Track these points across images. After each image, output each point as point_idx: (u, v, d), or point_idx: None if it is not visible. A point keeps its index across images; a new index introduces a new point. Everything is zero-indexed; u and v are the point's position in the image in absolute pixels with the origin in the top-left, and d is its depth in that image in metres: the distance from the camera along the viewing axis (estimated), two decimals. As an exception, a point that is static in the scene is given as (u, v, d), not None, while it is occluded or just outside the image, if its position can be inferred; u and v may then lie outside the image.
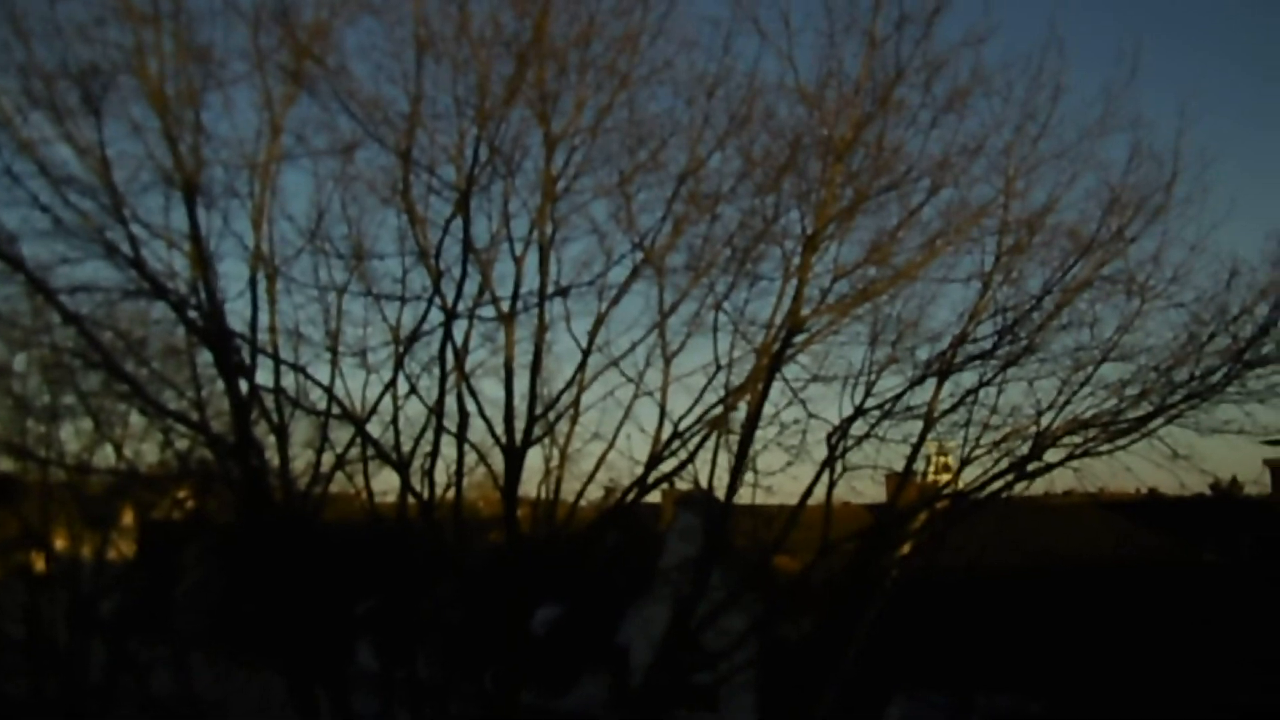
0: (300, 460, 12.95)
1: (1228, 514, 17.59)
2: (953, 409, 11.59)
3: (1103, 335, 11.33)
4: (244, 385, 10.57)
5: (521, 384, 11.13)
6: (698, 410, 11.28)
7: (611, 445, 11.85)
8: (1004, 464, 11.55)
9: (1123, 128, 11.19)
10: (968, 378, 11.52)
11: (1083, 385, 11.44)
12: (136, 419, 15.18)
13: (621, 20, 10.31)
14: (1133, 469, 11.48)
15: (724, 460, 11.36)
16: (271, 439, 11.69)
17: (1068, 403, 11.50)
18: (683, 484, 12.83)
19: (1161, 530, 16.45)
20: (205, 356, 11.42)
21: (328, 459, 12.13)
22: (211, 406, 12.59)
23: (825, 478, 11.46)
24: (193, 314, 10.21)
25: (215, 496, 14.09)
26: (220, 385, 11.29)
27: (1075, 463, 11.45)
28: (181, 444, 13.23)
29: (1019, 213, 11.18)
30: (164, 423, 12.09)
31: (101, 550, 19.17)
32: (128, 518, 20.35)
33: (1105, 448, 11.35)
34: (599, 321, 11.36)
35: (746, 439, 11.03)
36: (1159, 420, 11.19)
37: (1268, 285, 11.12)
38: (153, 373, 11.67)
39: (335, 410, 11.38)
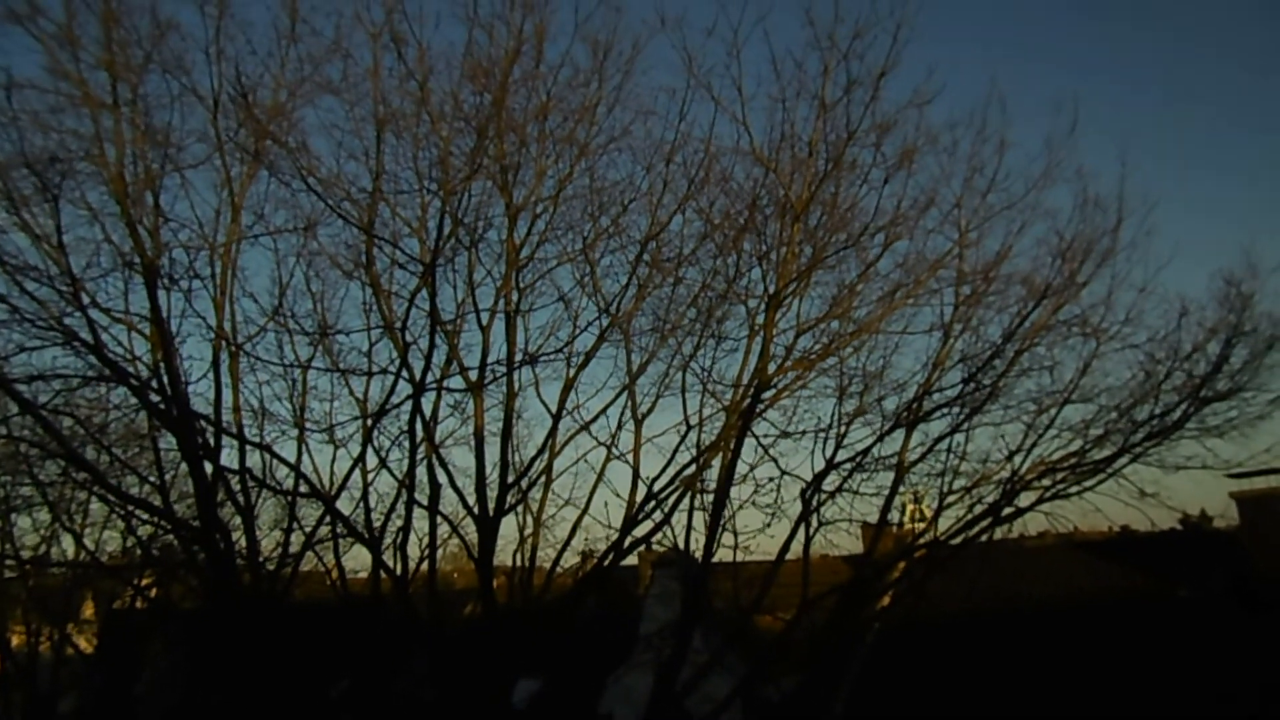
0: (268, 540, 12.70)
1: (1198, 549, 17.77)
2: (923, 458, 11.70)
3: (1063, 378, 11.62)
4: (209, 468, 10.35)
5: (492, 452, 11.07)
6: (671, 470, 11.27)
7: (586, 510, 11.78)
8: (978, 510, 11.65)
9: (1067, 178, 11.67)
10: (936, 426, 11.69)
11: (1048, 428, 11.65)
12: (97, 507, 14.79)
13: (578, 92, 10.57)
14: (1102, 509, 11.63)
15: (700, 520, 11.33)
16: (238, 520, 11.44)
17: (1035, 446, 11.70)
18: (660, 545, 12.73)
19: (1134, 567, 16.57)
20: (168, 440, 11.24)
21: (296, 538, 11.89)
22: (175, 490, 12.34)
23: (801, 533, 11.44)
24: (155, 398, 10.03)
25: (180, 583, 13.65)
26: (184, 468, 11.07)
27: (1046, 506, 11.59)
28: (144, 531, 12.89)
29: (974, 262, 11.51)
30: (126, 510, 11.78)
31: (60, 645, 18.41)
32: (88, 610, 19.62)
33: (1074, 489, 11.51)
34: (568, 386, 11.37)
35: (721, 498, 11.01)
36: (1124, 459, 11.41)
37: (1217, 323, 11.50)
38: (114, 459, 11.42)
39: (303, 488, 11.17)
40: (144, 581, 15.17)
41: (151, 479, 11.73)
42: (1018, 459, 11.57)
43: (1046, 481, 11.62)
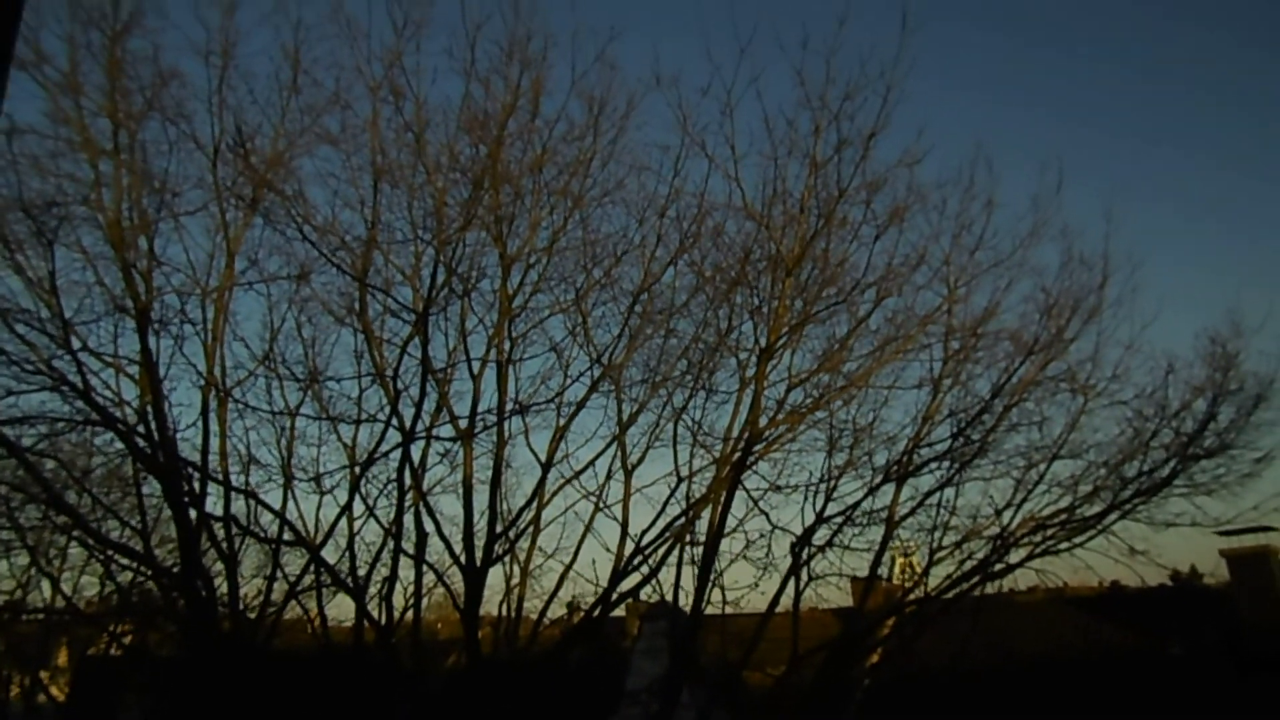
0: (250, 587, 12.49)
1: (1189, 605, 17.70)
2: (912, 512, 11.69)
3: (1052, 434, 11.68)
4: (193, 514, 10.22)
5: (480, 500, 11.00)
6: (661, 523, 11.21)
7: (574, 560, 11.68)
8: (968, 565, 11.61)
9: (1053, 235, 11.85)
10: (925, 480, 11.69)
11: (1037, 484, 11.68)
12: (76, 551, 14.53)
13: (573, 146, 10.74)
14: (1092, 566, 11.62)
15: (689, 572, 11.23)
16: (220, 566, 11.27)
17: (1024, 501, 11.71)
18: (649, 596, 12.60)
19: (1125, 624, 16.47)
20: (152, 484, 11.12)
21: (280, 586, 11.69)
22: (156, 534, 12.16)
23: (791, 587, 11.35)
24: (141, 442, 9.94)
25: (157, 630, 13.36)
26: (166, 512, 10.93)
27: (1036, 562, 11.56)
28: (123, 577, 12.65)
29: (962, 318, 11.62)
30: (105, 555, 11.59)
31: (31, 693, 17.93)
32: (62, 657, 19.15)
33: (1064, 546, 11.50)
34: (558, 435, 11.35)
35: (711, 551, 10.92)
36: (1113, 516, 11.43)
37: (1203, 381, 11.62)
38: (95, 502, 11.27)
39: (288, 536, 11.04)
40: (120, 628, 14.86)
41: (133, 523, 11.57)
42: (1007, 514, 11.59)
43: (1036, 537, 11.61)
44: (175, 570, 10.78)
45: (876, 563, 11.74)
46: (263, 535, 11.30)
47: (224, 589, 11.28)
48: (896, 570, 12.92)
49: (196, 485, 10.31)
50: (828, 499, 11.41)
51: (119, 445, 10.48)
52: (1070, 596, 17.29)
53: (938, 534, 11.74)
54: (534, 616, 12.06)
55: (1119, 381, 11.70)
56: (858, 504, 11.38)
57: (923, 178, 13.65)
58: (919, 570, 12.31)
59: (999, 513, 11.64)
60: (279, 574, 11.68)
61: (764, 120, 10.63)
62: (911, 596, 12.24)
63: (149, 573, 11.30)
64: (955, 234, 11.40)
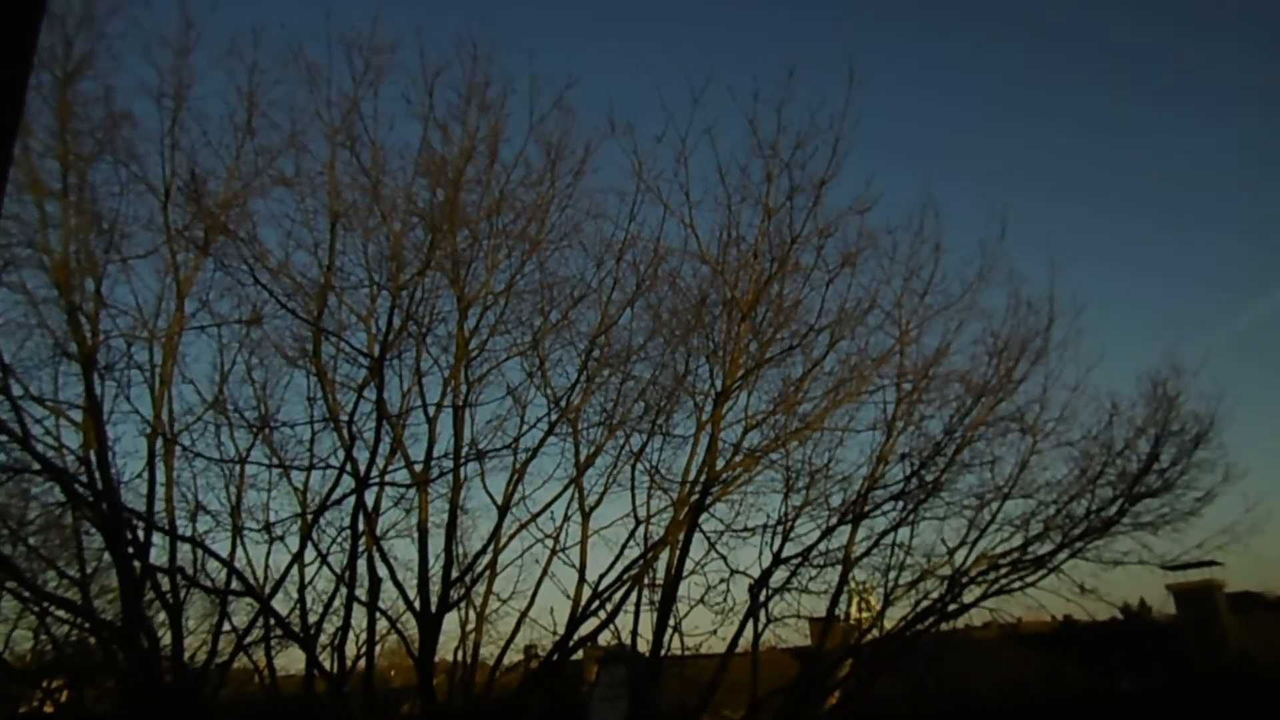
0: (195, 638, 12.10)
1: (1139, 640, 18.02)
2: (868, 552, 11.81)
3: (1003, 474, 11.92)
4: (137, 564, 9.90)
5: (436, 544, 10.84)
6: (619, 566, 11.14)
7: (531, 604, 11.53)
8: (924, 604, 11.72)
9: (1000, 280, 12.20)
10: (881, 520, 11.81)
11: (989, 523, 11.89)
12: (9, 603, 13.94)
13: (531, 190, 10.81)
14: (1044, 604, 11.81)
15: (648, 616, 11.18)
16: (163, 616, 10.90)
17: (978, 540, 11.90)
18: (607, 640, 12.47)
19: (1078, 660, 16.71)
20: (93, 533, 10.76)
21: (227, 637, 11.33)
22: (96, 584, 11.73)
23: (750, 629, 11.34)
24: (83, 491, 9.64)
25: (95, 685, 12.84)
26: (107, 559, 10.58)
27: (990, 601, 11.72)
28: (60, 630, 12.17)
29: (914, 360, 11.86)
30: (41, 607, 11.14)
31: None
32: (-9, 714, 18.22)
33: (1017, 585, 11.69)
34: (515, 478, 11.26)
35: (669, 594, 10.88)
36: (1063, 555, 11.68)
37: (1145, 422, 11.98)
38: (32, 553, 10.87)
39: (236, 585, 10.73)
40: (55, 684, 14.24)
41: (71, 574, 11.17)
42: (961, 553, 11.76)
43: (990, 576, 11.79)
44: (116, 623, 10.40)
45: (834, 603, 11.81)
46: (210, 585, 10.98)
47: (167, 639, 10.92)
48: (854, 610, 12.99)
49: (141, 534, 10.00)
50: (785, 540, 11.48)
51: (59, 494, 10.15)
52: (1024, 633, 17.50)
53: (893, 574, 11.87)
54: (490, 663, 11.82)
55: (1066, 422, 12.04)
56: (815, 545, 11.46)
57: (873, 223, 14.00)
58: (876, 610, 12.40)
59: (953, 552, 11.82)
60: (226, 624, 11.34)
61: (718, 167, 10.86)
62: (869, 636, 12.31)
63: (87, 625, 10.89)
64: (906, 278, 11.71)
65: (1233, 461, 12.11)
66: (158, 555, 10.43)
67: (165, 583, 10.54)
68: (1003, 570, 11.81)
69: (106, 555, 10.69)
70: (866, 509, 11.53)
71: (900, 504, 11.65)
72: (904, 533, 11.88)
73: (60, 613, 11.11)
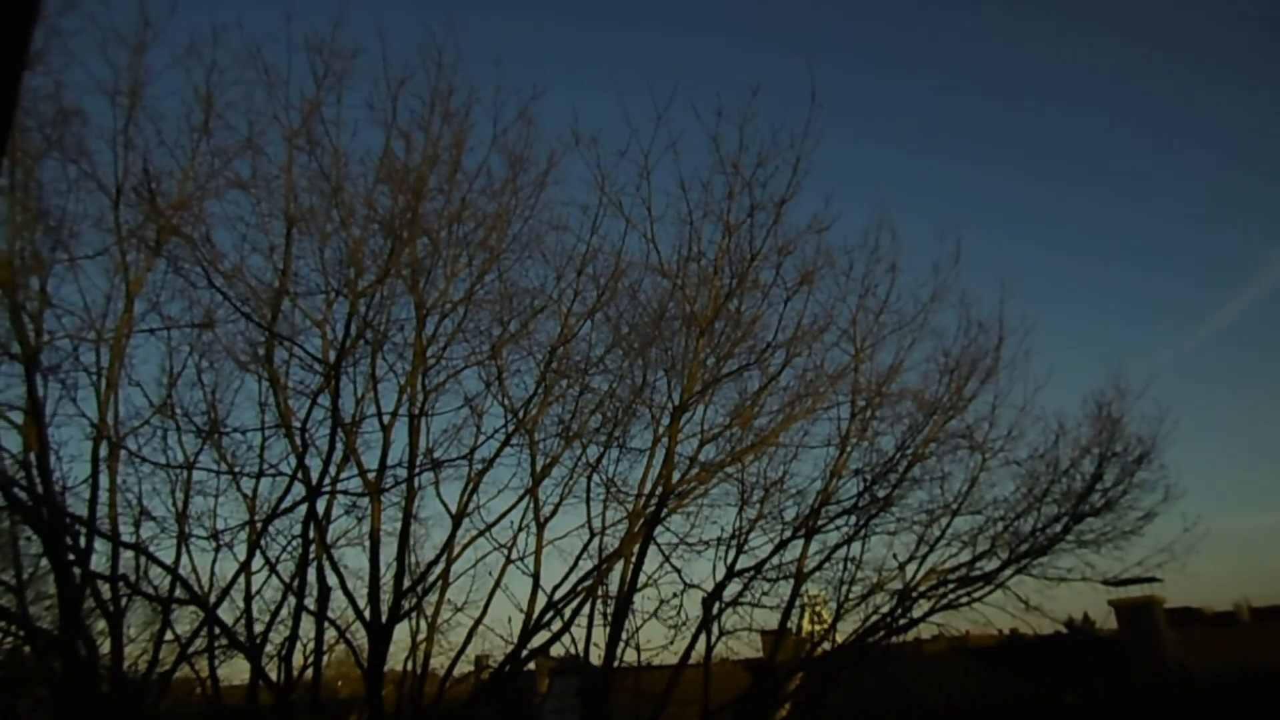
0: (134, 646, 11.80)
1: (1082, 654, 18.43)
2: (820, 566, 11.94)
3: (952, 490, 12.13)
4: (77, 571, 9.63)
5: (388, 553, 10.71)
6: (574, 577, 11.12)
7: (483, 615, 11.44)
8: (874, 618, 11.88)
9: (953, 301, 12.45)
10: (833, 535, 11.97)
11: (939, 539, 12.11)
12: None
13: (493, 200, 10.77)
14: (990, 618, 12.04)
15: (601, 627, 11.16)
16: (102, 624, 10.62)
17: (927, 555, 12.11)
18: (559, 650, 12.43)
19: (1022, 673, 17.05)
20: (29, 534, 10.45)
21: (170, 647, 11.06)
22: (32, 589, 11.39)
23: (702, 642, 11.40)
24: (21, 495, 9.36)
25: (29, 694, 12.44)
26: (44, 563, 10.27)
27: (938, 616, 11.93)
28: (-9, 638, 11.76)
29: (869, 377, 12.04)
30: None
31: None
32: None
33: (964, 600, 11.90)
34: (470, 488, 11.19)
35: (623, 607, 10.89)
36: (1009, 571, 11.91)
37: (1089, 442, 12.29)
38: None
39: (180, 593, 10.50)
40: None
41: (6, 579, 10.83)
42: (911, 568, 11.95)
43: (938, 591, 11.99)
44: (53, 631, 10.10)
45: (786, 616, 11.93)
46: (153, 593, 10.73)
47: (106, 647, 10.64)
48: (806, 623, 13.13)
49: (82, 540, 9.73)
50: (739, 553, 11.57)
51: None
52: (971, 646, 17.82)
53: (845, 587, 12.03)
54: (441, 673, 11.71)
55: (1014, 441, 12.31)
56: (768, 558, 11.57)
57: (831, 242, 14.20)
58: (827, 623, 12.54)
59: (903, 566, 12.01)
60: (169, 634, 11.08)
61: (680, 183, 10.94)
62: (820, 649, 12.44)
63: (22, 634, 10.56)
64: (861, 296, 11.91)
65: (1173, 482, 12.48)
66: (99, 562, 10.16)
67: (106, 590, 10.28)
68: (951, 585, 12.03)
69: (45, 561, 10.39)
70: (820, 523, 11.68)
71: (853, 518, 11.82)
72: (856, 547, 12.08)
73: (-6, 621, 10.75)
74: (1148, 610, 17.53)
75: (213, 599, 10.75)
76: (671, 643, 11.17)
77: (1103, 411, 12.47)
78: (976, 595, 12.00)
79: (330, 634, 11.01)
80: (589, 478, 11.40)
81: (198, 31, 10.60)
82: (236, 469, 10.76)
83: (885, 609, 11.89)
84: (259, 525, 10.55)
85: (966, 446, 12.22)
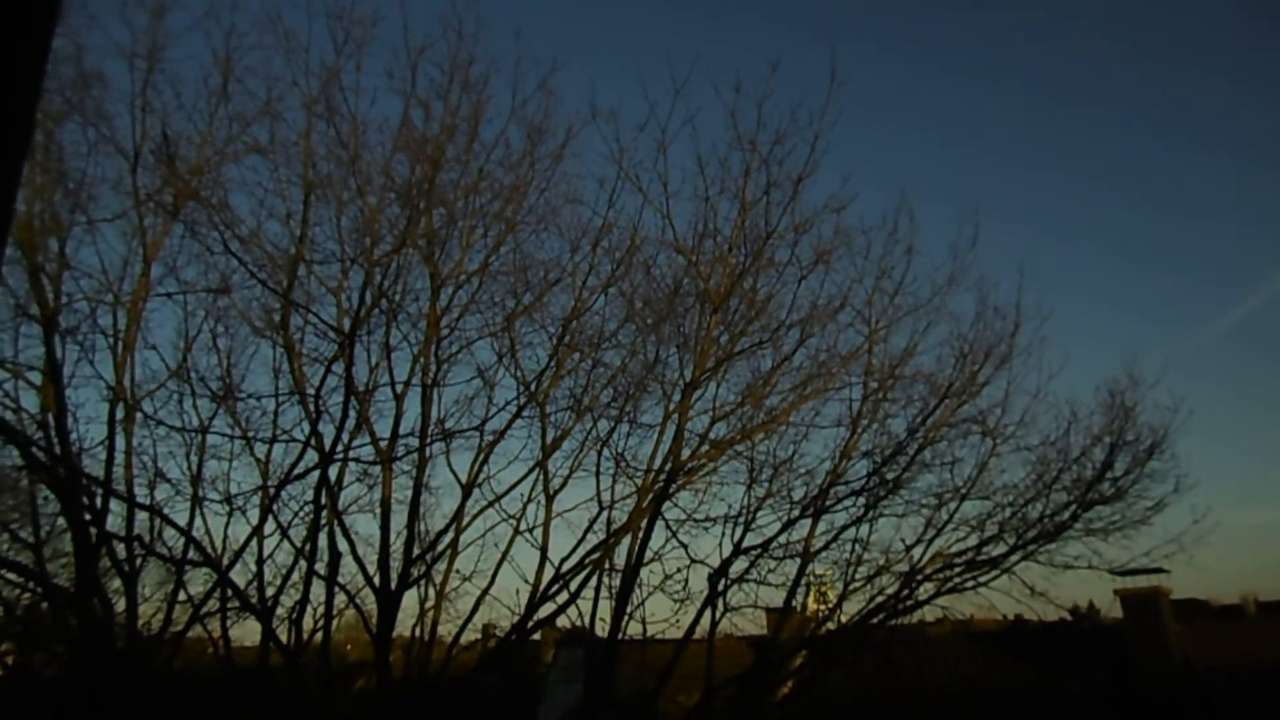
0: (149, 606, 11.99)
1: (1086, 642, 18.46)
2: (827, 546, 11.97)
3: (962, 474, 12.11)
4: (93, 530, 9.78)
5: (398, 521, 10.81)
6: (581, 550, 11.20)
7: (491, 584, 11.56)
8: (879, 600, 11.92)
9: (970, 285, 12.36)
10: (841, 515, 11.98)
11: (946, 523, 12.12)
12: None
13: (510, 171, 10.75)
14: (996, 604, 12.06)
15: (607, 600, 11.26)
16: (118, 583, 10.79)
17: (935, 538, 12.12)
18: (565, 621, 12.55)
19: (1028, 659, 17.09)
20: (47, 493, 10.60)
21: (183, 607, 11.24)
22: (49, 548, 11.58)
23: (707, 617, 11.48)
24: (40, 454, 9.49)
25: (45, 649, 12.68)
26: (61, 523, 10.44)
27: (943, 599, 11.96)
28: (11, 594, 11.99)
29: (881, 359, 12.00)
30: (-7, 570, 10.97)
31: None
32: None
33: (970, 584, 11.92)
34: (481, 458, 11.26)
35: (629, 580, 10.98)
36: (1016, 557, 11.91)
37: (1101, 430, 12.23)
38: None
39: (194, 555, 10.65)
40: (2, 647, 14.04)
41: (25, 537, 11.00)
42: (917, 551, 11.97)
43: (944, 574, 12.01)
44: (69, 589, 10.28)
45: (791, 595, 11.98)
46: (167, 554, 10.88)
47: (121, 606, 10.82)
48: (810, 602, 13.19)
49: (98, 501, 9.88)
50: (746, 531, 11.61)
51: (15, 456, 9.99)
52: (976, 630, 17.88)
53: (851, 568, 12.06)
54: (448, 640, 11.86)
55: (1026, 427, 12.26)
56: (775, 537, 11.60)
57: (847, 222, 14.09)
58: (832, 602, 12.60)
59: (910, 549, 12.03)
60: (183, 594, 11.26)
61: (697, 159, 10.91)
62: (824, 629, 12.51)
63: (40, 590, 10.76)
64: (877, 277, 11.84)
65: (1184, 473, 12.41)
66: (114, 522, 10.31)
67: (121, 550, 10.43)
68: (957, 569, 12.05)
69: (62, 520, 10.56)
70: (827, 503, 11.69)
71: (861, 500, 11.83)
72: (863, 528, 12.09)
73: (12, 576, 10.95)
74: (1153, 601, 17.53)
75: (225, 561, 10.90)
76: (676, 616, 11.25)
77: (1115, 400, 12.41)
78: (982, 580, 12.03)
79: (340, 599, 11.16)
80: (599, 452, 11.46)
81: (217, -5, 10.54)
82: (250, 434, 10.85)
83: (891, 591, 11.93)
84: (272, 490, 10.65)
85: (978, 431, 12.20)
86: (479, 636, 12.49)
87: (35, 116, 1.46)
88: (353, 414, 10.27)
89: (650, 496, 10.97)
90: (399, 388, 10.70)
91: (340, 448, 10.28)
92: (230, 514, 11.26)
